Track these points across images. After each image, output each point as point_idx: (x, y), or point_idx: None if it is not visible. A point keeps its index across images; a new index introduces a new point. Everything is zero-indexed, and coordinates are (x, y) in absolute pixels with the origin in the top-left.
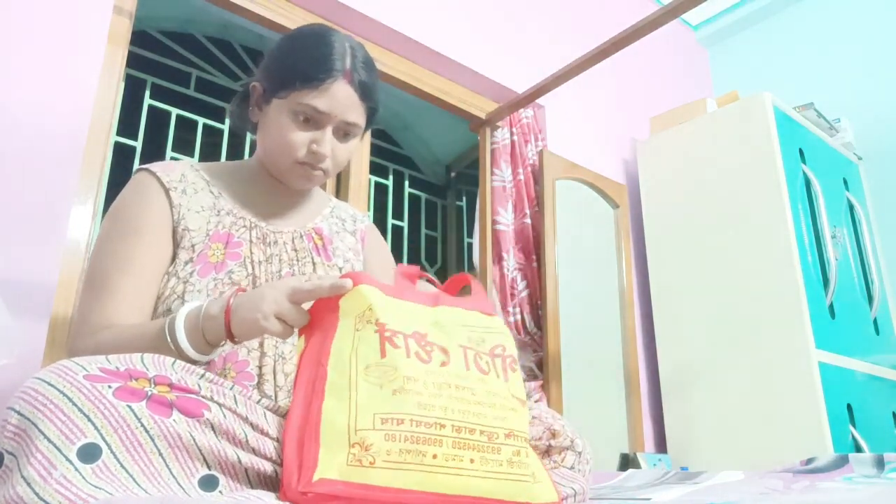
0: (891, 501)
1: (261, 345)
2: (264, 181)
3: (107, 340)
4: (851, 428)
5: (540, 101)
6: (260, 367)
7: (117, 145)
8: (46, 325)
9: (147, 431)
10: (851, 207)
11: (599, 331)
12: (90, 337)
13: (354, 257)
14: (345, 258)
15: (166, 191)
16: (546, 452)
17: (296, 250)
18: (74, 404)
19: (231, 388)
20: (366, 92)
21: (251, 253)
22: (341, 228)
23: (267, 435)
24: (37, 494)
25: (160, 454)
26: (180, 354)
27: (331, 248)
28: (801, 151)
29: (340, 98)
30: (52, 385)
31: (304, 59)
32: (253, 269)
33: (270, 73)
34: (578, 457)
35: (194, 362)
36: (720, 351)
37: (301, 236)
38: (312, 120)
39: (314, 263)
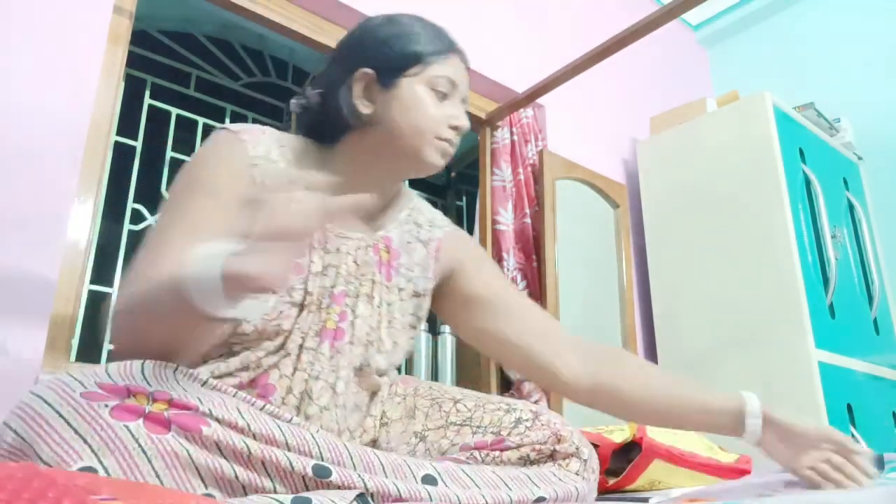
0: (891, 501)
1: (294, 371)
2: (359, 172)
3: (139, 291)
4: (851, 428)
5: (540, 101)
6: (304, 384)
7: (117, 145)
8: (46, 325)
9: (144, 452)
10: (851, 207)
11: (599, 331)
12: (130, 286)
13: (420, 274)
14: (407, 277)
15: (251, 165)
16: (550, 457)
17: (357, 263)
18: (70, 425)
19: (234, 395)
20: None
21: (310, 262)
22: (414, 238)
23: (274, 443)
24: None
25: (157, 476)
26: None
27: (395, 262)
28: (801, 151)
29: (461, 69)
30: (48, 404)
31: (425, 35)
32: (308, 282)
33: (387, 54)
34: (584, 464)
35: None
36: (720, 350)
37: (367, 247)
38: (447, 94)
39: (374, 282)
